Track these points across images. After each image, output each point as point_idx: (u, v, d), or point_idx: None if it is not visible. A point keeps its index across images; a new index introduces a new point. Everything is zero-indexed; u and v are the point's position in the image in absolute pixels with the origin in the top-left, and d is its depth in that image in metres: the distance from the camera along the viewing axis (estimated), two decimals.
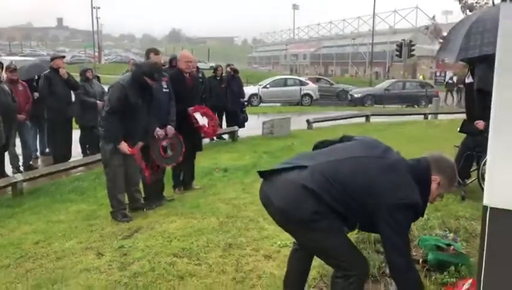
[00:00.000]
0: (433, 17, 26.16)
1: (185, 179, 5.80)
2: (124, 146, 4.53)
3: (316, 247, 2.35)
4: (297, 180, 2.26)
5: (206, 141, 9.47)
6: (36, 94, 7.55)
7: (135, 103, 4.48)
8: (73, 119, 7.97)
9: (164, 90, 5.08)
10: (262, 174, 2.46)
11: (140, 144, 4.74)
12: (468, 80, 5.48)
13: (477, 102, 4.98)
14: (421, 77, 31.83)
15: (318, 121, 12.76)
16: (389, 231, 2.19)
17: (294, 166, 2.34)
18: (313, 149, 2.63)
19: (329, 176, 2.24)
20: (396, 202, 2.17)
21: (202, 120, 5.51)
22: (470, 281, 2.54)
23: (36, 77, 8.16)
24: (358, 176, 2.26)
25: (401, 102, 22.75)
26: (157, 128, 4.94)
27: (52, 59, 7.68)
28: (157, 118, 4.94)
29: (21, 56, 29.18)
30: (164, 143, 5.05)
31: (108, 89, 4.74)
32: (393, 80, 27.44)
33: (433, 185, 2.32)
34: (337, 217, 2.25)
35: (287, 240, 3.54)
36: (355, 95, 24.17)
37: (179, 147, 5.23)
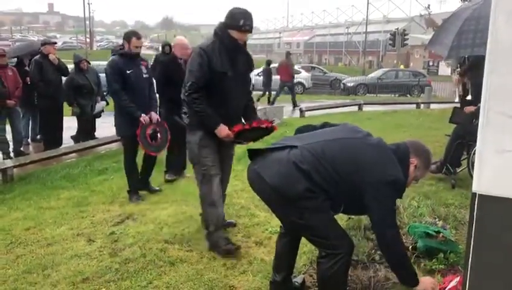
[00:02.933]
0: (428, 6, 26.02)
1: (176, 165, 5.73)
2: (223, 129, 3.36)
3: (302, 225, 2.37)
4: (289, 158, 2.33)
5: None
6: (27, 79, 7.41)
7: (223, 73, 3.34)
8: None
9: (144, 75, 4.87)
10: (252, 155, 2.51)
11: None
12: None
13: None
14: (401, 67, 31.79)
15: (311, 110, 12.75)
16: (377, 205, 2.28)
17: (285, 146, 2.41)
18: (296, 133, 2.69)
19: (319, 155, 2.31)
20: (383, 177, 2.27)
21: None
22: (457, 278, 2.55)
23: (27, 62, 8.06)
24: (345, 155, 2.34)
25: (393, 91, 22.79)
26: (143, 114, 4.73)
27: (43, 44, 7.59)
28: (139, 104, 4.72)
29: (11, 41, 28.82)
30: (149, 130, 4.85)
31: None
32: (386, 69, 27.45)
33: (411, 168, 2.43)
34: (326, 198, 2.30)
35: (277, 226, 3.54)
36: (348, 84, 24.19)
37: (164, 134, 5.07)
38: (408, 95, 22.41)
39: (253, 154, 2.52)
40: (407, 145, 2.48)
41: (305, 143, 2.39)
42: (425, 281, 2.48)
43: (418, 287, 2.42)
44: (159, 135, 4.98)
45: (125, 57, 4.74)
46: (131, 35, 4.73)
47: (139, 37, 4.79)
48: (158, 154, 5.21)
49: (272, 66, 16.79)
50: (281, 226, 2.77)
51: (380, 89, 22.87)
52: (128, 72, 4.67)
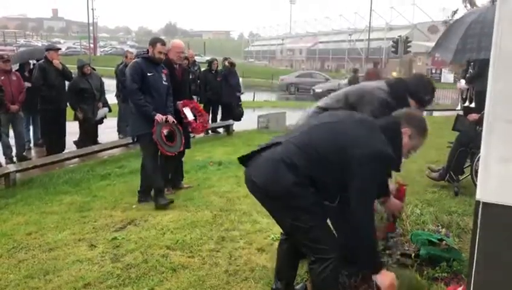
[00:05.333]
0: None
1: (173, 178, 5.49)
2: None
3: (297, 227, 2.33)
4: (273, 155, 2.34)
5: (201, 135, 9.48)
6: (27, 84, 7.42)
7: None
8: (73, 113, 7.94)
9: (164, 82, 4.93)
10: (243, 161, 2.51)
11: None
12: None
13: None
14: (393, 74, 31.70)
15: None
16: (358, 182, 2.21)
17: (270, 144, 2.42)
18: None
19: (303, 145, 2.31)
20: (366, 153, 2.21)
21: (191, 116, 5.34)
22: (460, 288, 2.53)
23: (31, 66, 8.11)
24: (330, 135, 2.33)
25: None
26: (158, 114, 4.75)
27: (48, 50, 7.63)
28: (155, 109, 4.77)
29: (15, 46, 28.97)
30: (165, 131, 4.86)
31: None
32: (304, 72, 27.10)
33: (405, 138, 2.38)
34: (316, 191, 2.27)
35: (280, 233, 3.54)
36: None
37: (179, 137, 5.06)
38: None
39: (246, 159, 2.50)
40: (397, 116, 2.45)
41: (291, 136, 2.40)
42: (387, 274, 2.30)
43: (378, 276, 2.27)
44: (171, 136, 4.97)
45: (148, 61, 4.82)
46: (156, 41, 4.85)
47: (163, 44, 4.90)
48: (173, 153, 5.07)
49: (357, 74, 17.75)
50: (281, 233, 2.75)
51: None
52: (149, 74, 4.75)
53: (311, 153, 2.27)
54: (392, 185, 2.86)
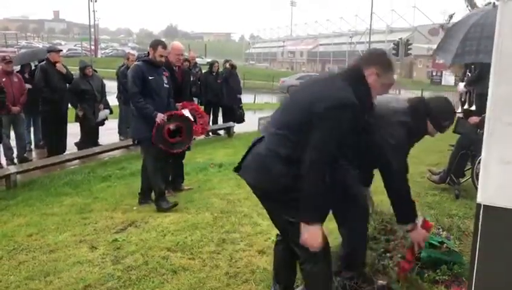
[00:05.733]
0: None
1: (174, 180, 5.49)
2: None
3: (291, 224, 2.29)
4: (258, 151, 2.33)
5: (201, 137, 9.48)
6: (28, 86, 7.43)
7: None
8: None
9: (165, 85, 4.90)
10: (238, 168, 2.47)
11: None
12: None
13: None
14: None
15: None
16: (318, 133, 2.14)
17: (254, 143, 2.40)
18: None
19: (276, 128, 2.30)
20: (324, 106, 2.14)
21: (190, 117, 5.23)
22: None
23: (33, 67, 8.12)
24: (295, 105, 2.31)
25: None
26: (159, 114, 4.69)
27: (49, 51, 7.64)
28: (157, 111, 4.72)
29: (17, 48, 29.02)
30: (171, 126, 4.79)
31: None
32: (304, 74, 26.97)
33: (372, 78, 2.29)
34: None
35: (276, 234, 3.54)
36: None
37: (189, 130, 4.99)
38: None
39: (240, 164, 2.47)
40: (358, 59, 2.38)
41: (271, 126, 2.38)
42: (317, 228, 2.22)
43: (311, 226, 2.19)
44: (178, 132, 4.91)
45: (149, 64, 4.79)
46: (157, 44, 4.81)
47: (164, 47, 4.85)
48: (180, 150, 5.05)
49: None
50: (277, 234, 2.71)
51: None
52: (150, 78, 4.72)
53: (285, 132, 2.23)
54: (420, 219, 2.88)
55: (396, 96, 3.07)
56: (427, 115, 2.79)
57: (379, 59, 2.35)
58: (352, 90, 2.19)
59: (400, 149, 2.62)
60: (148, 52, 4.90)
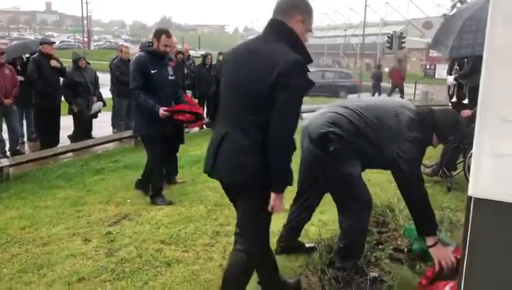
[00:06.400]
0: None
1: (168, 173, 5.38)
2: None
3: (250, 219, 2.32)
4: (225, 150, 2.24)
5: (195, 129, 9.48)
6: (20, 78, 7.36)
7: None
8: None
9: (170, 77, 4.64)
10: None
11: None
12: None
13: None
14: (386, 70, 31.52)
15: (306, 112, 12.75)
16: (279, 102, 2.07)
17: (218, 144, 2.27)
18: None
19: (236, 117, 2.21)
20: (280, 72, 2.05)
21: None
22: (451, 284, 2.54)
23: (25, 59, 8.05)
24: (244, 86, 2.18)
25: (320, 92, 19.85)
26: (160, 109, 4.43)
27: (42, 43, 7.58)
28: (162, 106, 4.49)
29: (8, 39, 28.73)
30: (180, 116, 4.63)
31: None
32: (313, 70, 26.61)
33: (298, 26, 2.19)
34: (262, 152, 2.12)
35: (274, 228, 3.55)
36: None
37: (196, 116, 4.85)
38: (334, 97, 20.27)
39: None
40: (277, 16, 2.23)
41: (226, 119, 2.29)
42: (283, 195, 2.18)
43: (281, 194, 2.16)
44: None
45: (152, 55, 4.53)
46: (161, 33, 4.52)
47: (168, 35, 4.54)
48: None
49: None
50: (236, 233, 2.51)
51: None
52: (152, 71, 4.46)
53: (250, 118, 2.14)
54: (453, 245, 2.89)
55: (402, 102, 3.03)
56: (434, 127, 2.81)
57: (298, 6, 2.22)
58: (290, 49, 2.11)
59: (414, 162, 2.73)
60: (152, 42, 4.62)
